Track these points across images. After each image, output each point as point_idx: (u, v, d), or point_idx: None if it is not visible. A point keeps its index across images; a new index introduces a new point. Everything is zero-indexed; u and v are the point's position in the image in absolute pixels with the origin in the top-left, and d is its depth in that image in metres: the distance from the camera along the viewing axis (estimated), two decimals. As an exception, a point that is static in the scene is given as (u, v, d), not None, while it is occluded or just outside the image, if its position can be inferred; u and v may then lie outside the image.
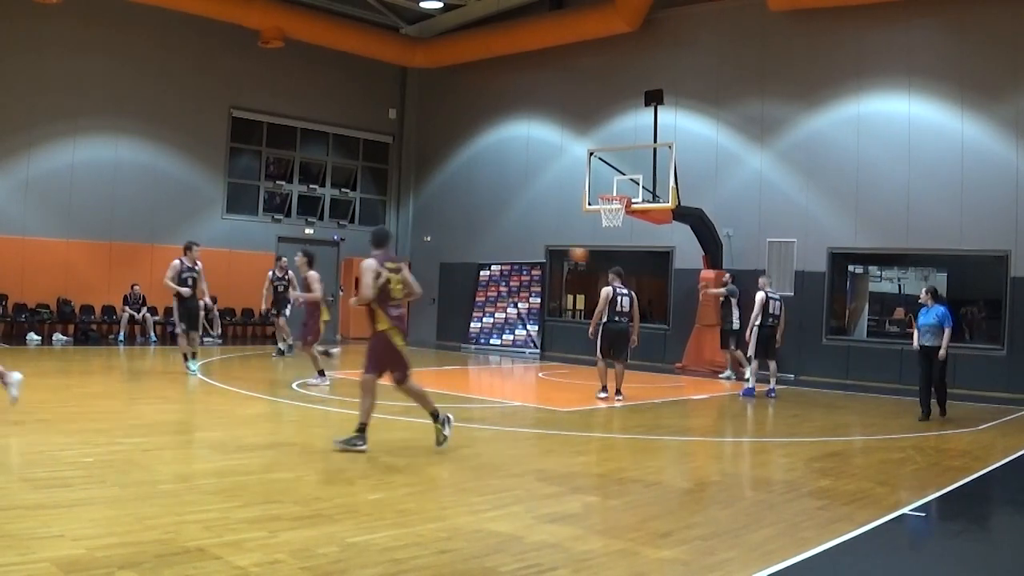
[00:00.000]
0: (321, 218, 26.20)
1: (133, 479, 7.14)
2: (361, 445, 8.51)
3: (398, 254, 26.64)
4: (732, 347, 18.24)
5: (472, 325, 25.27)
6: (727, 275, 19.09)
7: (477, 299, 25.33)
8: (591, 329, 14.00)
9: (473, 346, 24.80)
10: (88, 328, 21.21)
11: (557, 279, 24.46)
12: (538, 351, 23.37)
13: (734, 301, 18.29)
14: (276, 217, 25.18)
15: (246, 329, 23.94)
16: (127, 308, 21.30)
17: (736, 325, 18.15)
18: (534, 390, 15.83)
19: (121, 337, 21.01)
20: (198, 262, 14.95)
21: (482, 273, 25.35)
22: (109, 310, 21.70)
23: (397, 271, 8.77)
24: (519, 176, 24.66)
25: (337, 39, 24.31)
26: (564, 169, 23.31)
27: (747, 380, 15.55)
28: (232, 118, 24.14)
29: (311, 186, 26.11)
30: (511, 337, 24.34)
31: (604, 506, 7.16)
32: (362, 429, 8.59)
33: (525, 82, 24.70)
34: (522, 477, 8.03)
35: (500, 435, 10.61)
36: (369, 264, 8.59)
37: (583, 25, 22.65)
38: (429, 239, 26.75)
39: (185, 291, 14.59)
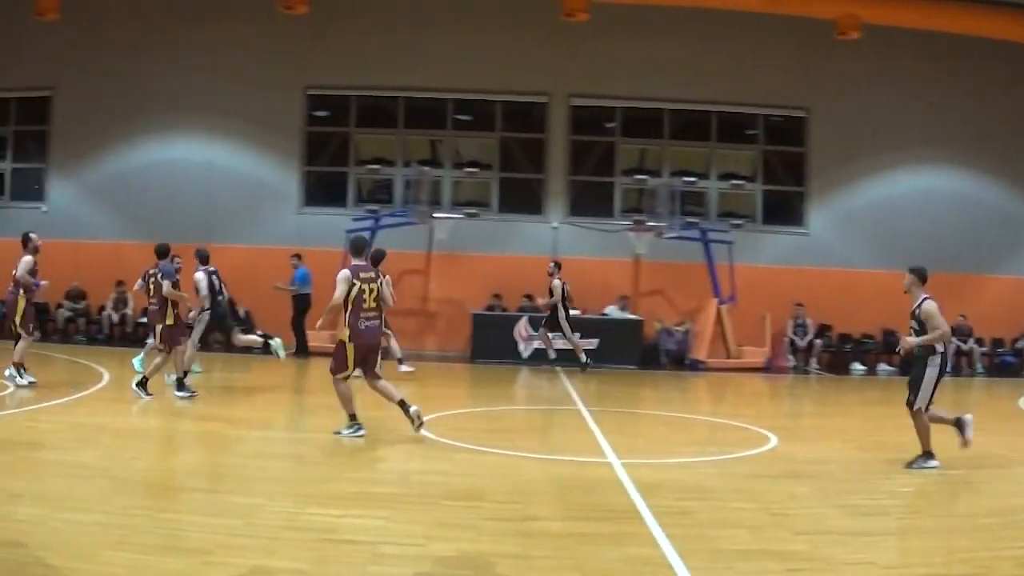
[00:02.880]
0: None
1: (949, 510, 7.22)
2: (360, 431, 9.35)
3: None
4: None
5: None
6: None
7: None
8: None
9: None
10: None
11: None
12: None
13: None
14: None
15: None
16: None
17: None
18: None
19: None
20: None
21: None
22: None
23: (371, 281, 9.24)
24: None
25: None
26: None
27: None
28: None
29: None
30: None
31: None
32: (353, 418, 9.40)
33: None
34: None
35: None
36: (343, 275, 9.14)
37: None
38: None
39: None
